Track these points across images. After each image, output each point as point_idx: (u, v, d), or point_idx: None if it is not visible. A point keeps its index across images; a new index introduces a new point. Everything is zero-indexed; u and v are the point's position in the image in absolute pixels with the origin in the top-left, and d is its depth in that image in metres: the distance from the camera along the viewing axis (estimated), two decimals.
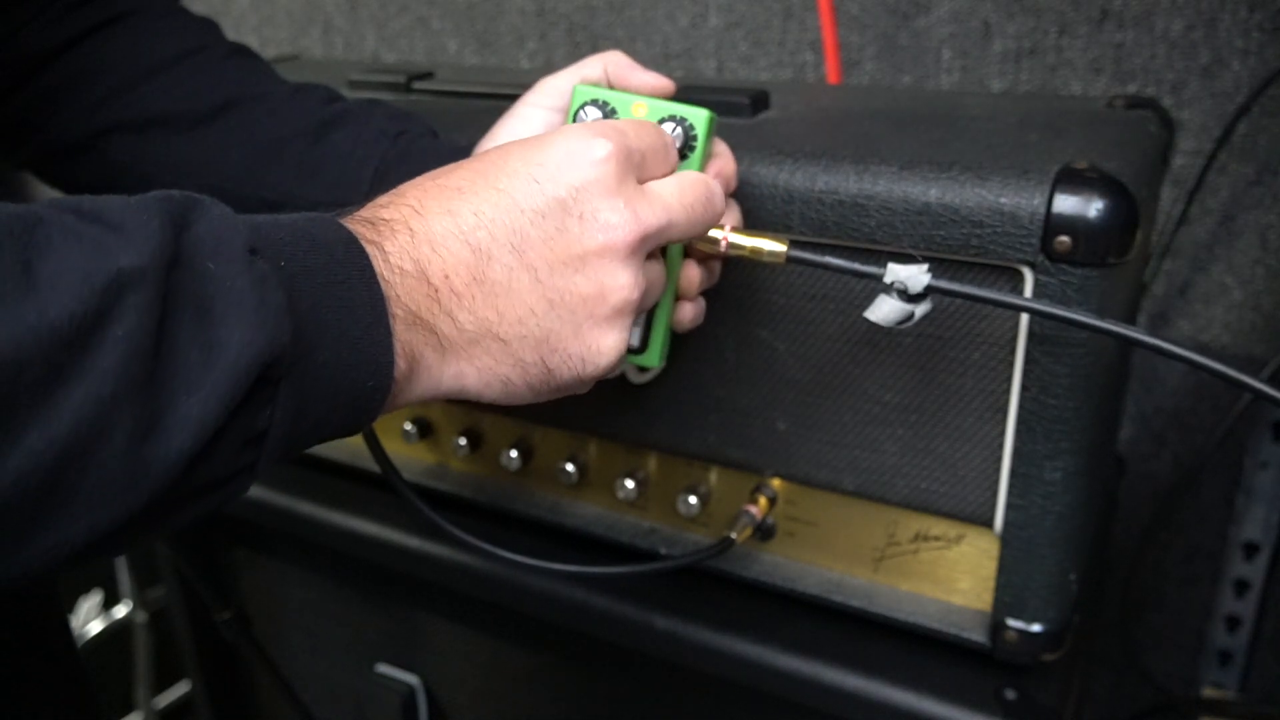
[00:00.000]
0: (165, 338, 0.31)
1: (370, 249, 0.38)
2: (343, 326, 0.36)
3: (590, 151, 0.42)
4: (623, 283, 0.43)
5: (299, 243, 0.36)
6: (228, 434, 0.32)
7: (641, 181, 0.45)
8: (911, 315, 0.49)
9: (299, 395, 0.35)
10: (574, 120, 0.52)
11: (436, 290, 0.40)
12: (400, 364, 0.39)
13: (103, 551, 0.32)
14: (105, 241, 0.30)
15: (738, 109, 0.64)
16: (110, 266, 0.30)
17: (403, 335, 0.39)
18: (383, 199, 0.42)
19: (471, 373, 0.42)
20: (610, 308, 0.43)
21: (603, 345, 0.43)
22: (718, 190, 0.48)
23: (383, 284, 0.38)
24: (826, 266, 0.50)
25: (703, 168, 0.52)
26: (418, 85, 0.78)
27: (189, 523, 0.35)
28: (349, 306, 0.37)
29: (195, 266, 0.32)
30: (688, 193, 0.46)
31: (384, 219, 0.40)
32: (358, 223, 0.40)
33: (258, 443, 0.34)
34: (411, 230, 0.40)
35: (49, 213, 0.30)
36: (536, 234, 0.41)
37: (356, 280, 0.37)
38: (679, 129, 0.50)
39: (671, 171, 0.48)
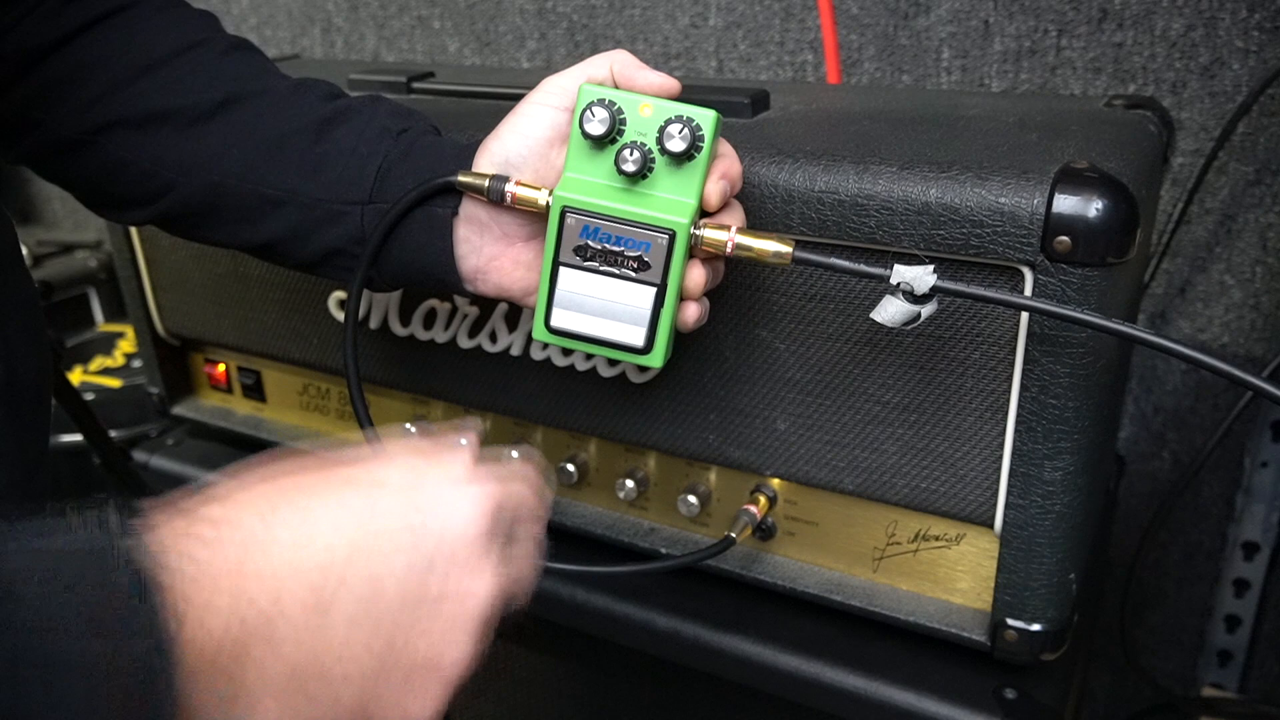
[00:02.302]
0: None
1: (171, 563, 0.33)
2: (106, 659, 0.31)
3: (469, 511, 0.40)
4: (462, 650, 0.40)
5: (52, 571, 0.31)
6: None
7: (507, 540, 0.43)
8: (918, 316, 0.49)
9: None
10: (580, 119, 0.52)
11: (264, 617, 0.34)
12: (179, 705, 0.32)
13: None
14: None
15: (738, 109, 0.64)
16: None
17: (198, 671, 0.33)
18: (222, 497, 0.36)
19: (274, 713, 0.36)
20: (441, 676, 0.39)
21: (424, 706, 0.39)
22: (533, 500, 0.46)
23: (178, 610, 0.32)
24: (832, 268, 0.50)
25: (709, 169, 0.52)
26: (418, 85, 0.78)
27: None
28: (115, 639, 0.31)
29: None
30: (531, 559, 0.45)
31: (211, 521, 0.35)
32: (169, 528, 0.34)
33: None
34: (247, 539, 0.35)
35: None
36: (394, 586, 0.37)
37: (124, 611, 0.31)
38: (686, 130, 0.50)
39: (537, 519, 0.46)
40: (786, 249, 0.51)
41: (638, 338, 0.54)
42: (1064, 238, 0.49)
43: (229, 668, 0.34)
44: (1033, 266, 0.51)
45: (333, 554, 0.36)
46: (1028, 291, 0.52)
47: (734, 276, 0.59)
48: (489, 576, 0.40)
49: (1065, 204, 0.49)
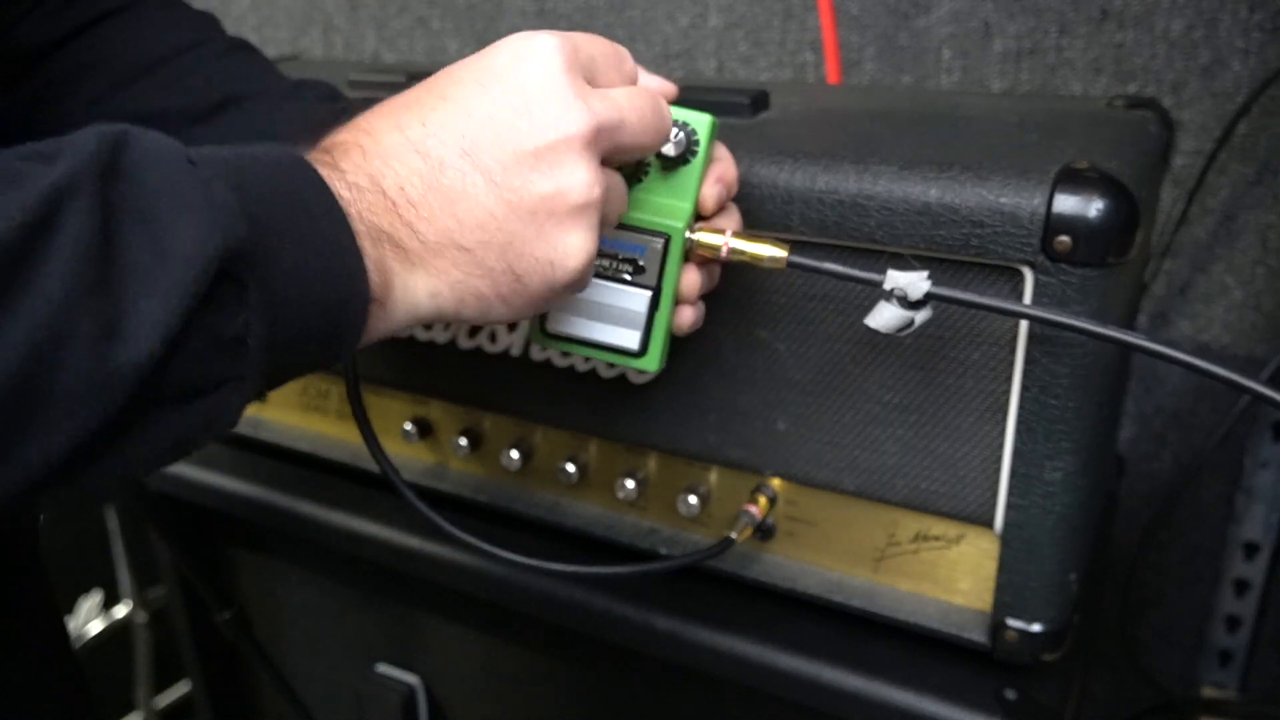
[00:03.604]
0: (112, 243, 0.31)
1: (324, 169, 0.39)
2: (304, 232, 0.36)
3: (535, 51, 0.42)
4: (581, 179, 0.42)
5: (244, 161, 0.37)
6: (197, 335, 0.33)
7: (596, 83, 0.45)
8: (911, 322, 0.49)
9: (271, 299, 0.35)
10: None
11: (394, 203, 0.40)
12: (373, 276, 0.39)
13: (90, 468, 0.32)
14: (41, 169, 0.31)
15: (738, 109, 0.64)
16: (47, 181, 0.30)
17: (369, 250, 0.39)
18: (337, 129, 0.42)
19: (444, 288, 0.41)
20: (571, 205, 0.42)
21: (569, 246, 0.42)
22: (663, 103, 0.48)
23: (340, 200, 0.38)
24: (826, 273, 0.50)
25: (704, 173, 0.52)
26: None
27: (184, 441, 0.35)
28: (308, 215, 0.37)
29: (135, 178, 0.33)
30: (636, 97, 0.46)
31: (336, 143, 0.41)
32: (311, 152, 0.40)
33: (236, 350, 0.34)
34: (363, 149, 0.40)
35: None
36: (487, 136, 0.41)
37: (311, 193, 0.37)
38: (681, 134, 0.50)
39: (625, 80, 0.48)
40: (781, 254, 0.51)
41: (633, 341, 0.54)
42: (1064, 238, 0.49)
43: (394, 236, 0.40)
44: (1033, 266, 0.51)
45: (430, 126, 0.41)
46: (1028, 291, 0.52)
47: (733, 277, 0.59)
48: (574, 103, 0.42)
49: (1065, 204, 0.49)
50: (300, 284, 0.36)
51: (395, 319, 0.41)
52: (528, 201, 0.41)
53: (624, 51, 0.48)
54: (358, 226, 0.38)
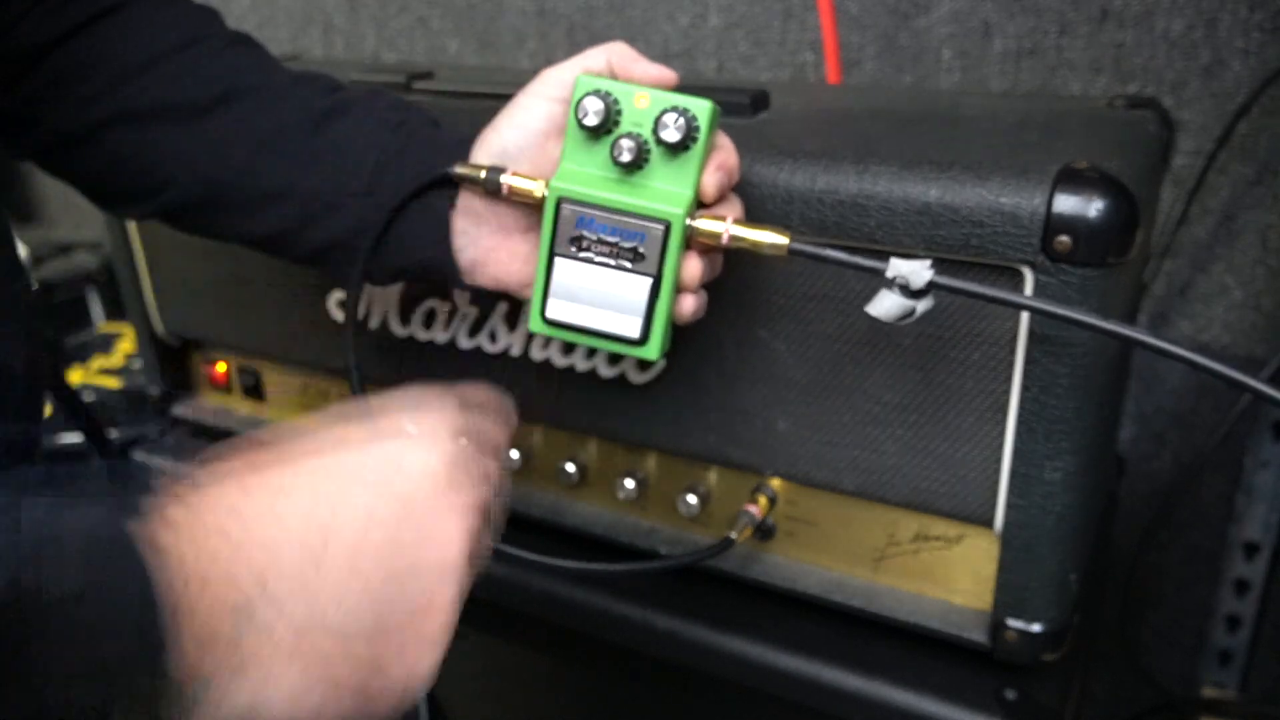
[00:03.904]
0: None
1: (167, 542, 0.33)
2: (99, 621, 0.31)
3: (426, 460, 0.41)
4: (451, 595, 0.40)
5: (42, 541, 0.32)
6: None
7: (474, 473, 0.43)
8: (913, 311, 0.49)
9: (33, 685, 0.30)
10: (575, 110, 0.52)
11: (256, 590, 0.35)
12: (180, 673, 0.33)
13: None
14: None
15: (738, 109, 0.64)
16: None
17: (191, 646, 0.33)
18: (198, 493, 0.37)
19: (282, 686, 0.36)
20: (436, 625, 0.40)
21: (425, 661, 0.40)
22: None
23: (175, 587, 0.33)
24: (828, 260, 0.50)
25: (705, 160, 0.52)
26: (418, 85, 0.78)
27: None
28: (108, 606, 0.32)
29: None
30: (500, 476, 0.45)
31: (197, 507, 0.36)
32: (163, 512, 0.35)
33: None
34: (231, 523, 0.36)
35: None
36: (370, 544, 0.38)
37: (119, 583, 0.32)
38: (681, 120, 0.50)
39: (502, 437, 0.47)
40: (783, 240, 0.51)
41: (633, 329, 0.54)
42: (1064, 237, 0.49)
43: (233, 637, 0.35)
44: (1033, 266, 0.51)
45: (315, 510, 0.38)
46: (1028, 291, 0.52)
47: (734, 275, 0.59)
48: (461, 516, 0.41)
49: (1065, 204, 0.49)
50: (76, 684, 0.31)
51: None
52: (398, 617, 0.39)
53: (497, 403, 0.47)
54: (190, 613, 0.33)
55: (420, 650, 0.40)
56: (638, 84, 0.53)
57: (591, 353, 0.65)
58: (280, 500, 0.38)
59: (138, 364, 1.31)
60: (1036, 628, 0.58)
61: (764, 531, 0.65)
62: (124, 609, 0.32)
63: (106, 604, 0.32)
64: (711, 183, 0.52)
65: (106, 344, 1.39)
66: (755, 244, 0.51)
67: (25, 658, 0.30)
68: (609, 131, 0.52)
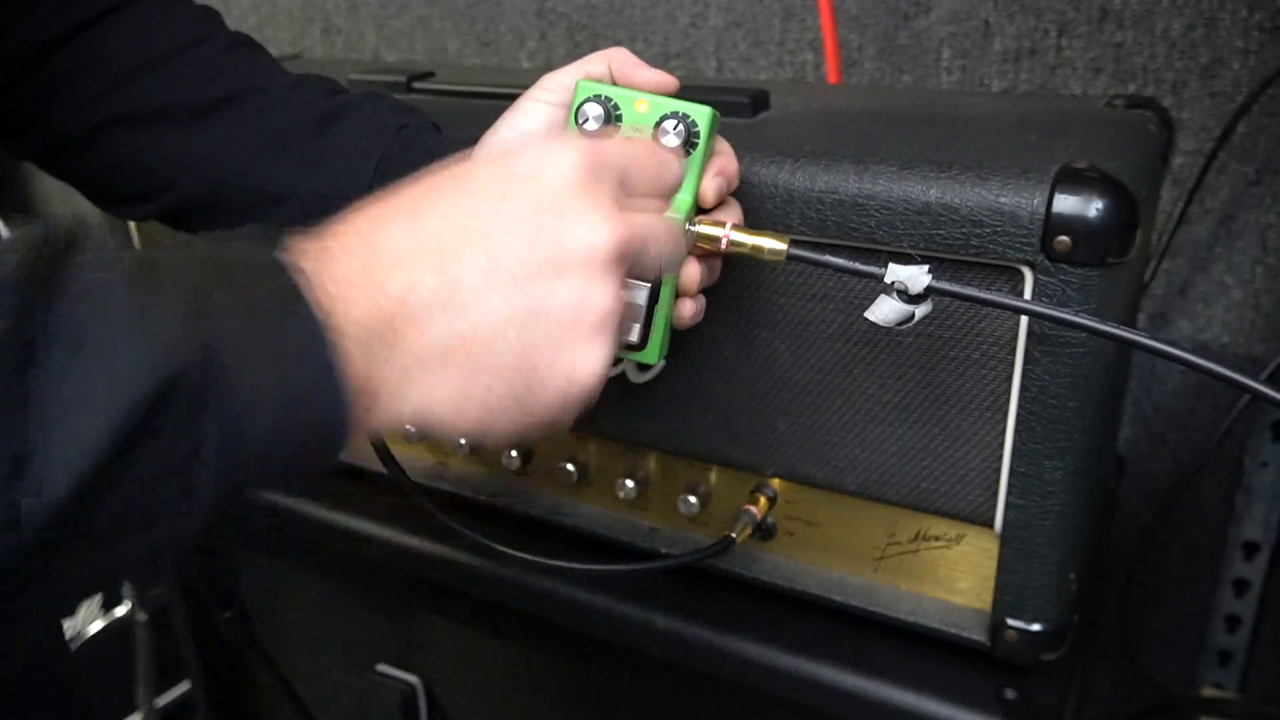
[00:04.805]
0: (31, 366, 0.29)
1: (309, 267, 0.35)
2: (274, 349, 0.33)
3: (557, 160, 0.40)
4: (604, 295, 0.40)
5: (205, 271, 0.34)
6: (135, 466, 0.30)
7: (629, 195, 0.43)
8: (912, 316, 0.49)
9: (229, 426, 0.32)
10: (575, 116, 0.52)
11: (400, 300, 0.37)
12: (359, 378, 0.35)
13: (15, 602, 0.30)
14: None
15: (738, 109, 0.64)
16: None
17: (356, 344, 0.35)
18: (341, 219, 0.39)
19: (443, 392, 0.38)
20: (592, 321, 0.39)
21: (585, 360, 0.40)
22: (680, 231, 0.46)
23: (324, 303, 0.34)
24: (827, 265, 0.50)
25: (704, 165, 0.52)
26: (418, 85, 0.78)
27: (119, 575, 0.32)
28: (279, 328, 0.33)
29: (68, 299, 0.30)
30: (663, 223, 0.44)
31: (334, 235, 0.38)
32: (301, 247, 0.37)
33: (183, 481, 0.32)
34: (368, 248, 0.37)
35: None
36: (506, 244, 0.38)
37: (285, 303, 0.34)
38: (681, 126, 0.50)
39: (665, 190, 0.47)
40: (781, 246, 0.51)
41: (632, 334, 0.54)
42: (1064, 237, 0.49)
43: (389, 345, 0.36)
44: (1033, 266, 0.51)
45: (450, 217, 0.38)
46: (1028, 291, 0.52)
47: (734, 276, 0.59)
48: (602, 221, 0.40)
49: (1065, 204, 0.49)
50: (266, 409, 0.33)
51: (385, 420, 0.38)
52: (551, 311, 0.39)
53: (668, 157, 0.46)
54: (344, 325, 0.35)
55: (575, 350, 0.40)
56: (638, 89, 0.53)
57: None
58: (413, 217, 0.38)
59: None
60: (1036, 627, 0.58)
61: (764, 531, 0.65)
62: (296, 336, 0.34)
63: (280, 335, 0.33)
64: (711, 188, 0.52)
65: None
66: (754, 249, 0.51)
67: (227, 404, 0.32)
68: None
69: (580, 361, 0.40)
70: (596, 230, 0.39)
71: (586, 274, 0.39)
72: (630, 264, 0.42)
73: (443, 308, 0.37)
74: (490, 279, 0.38)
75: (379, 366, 0.36)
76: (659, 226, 0.44)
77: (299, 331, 0.34)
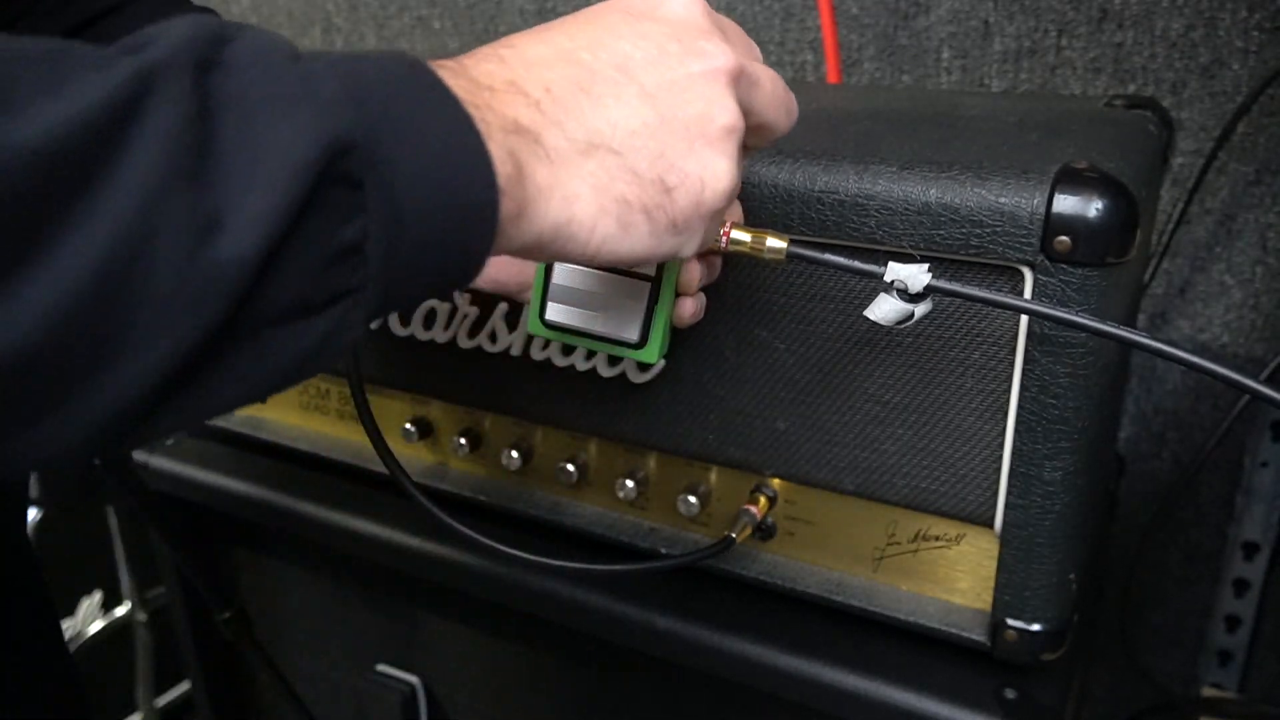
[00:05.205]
0: (208, 134, 0.29)
1: (445, 73, 0.36)
2: (424, 127, 0.33)
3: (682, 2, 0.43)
4: (729, 107, 0.41)
5: (353, 60, 0.34)
6: (308, 242, 0.30)
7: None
8: (911, 315, 0.49)
9: (390, 201, 0.32)
10: None
11: (538, 101, 0.38)
12: (505, 169, 0.35)
13: (191, 393, 0.30)
14: (128, 58, 0.28)
15: None
16: (135, 64, 0.28)
17: (500, 140, 0.36)
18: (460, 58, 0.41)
19: (586, 192, 0.38)
20: (719, 129, 0.41)
21: (719, 168, 0.41)
22: (787, 93, 0.48)
23: (464, 96, 0.35)
24: (827, 264, 0.50)
25: None
26: None
27: (295, 366, 0.32)
28: (427, 109, 0.34)
29: (233, 69, 0.30)
30: (770, 71, 0.46)
31: (467, 57, 0.39)
32: (436, 60, 0.37)
33: (353, 259, 0.32)
34: (501, 58, 0.38)
35: (79, 46, 0.29)
36: (639, 54, 0.40)
37: (430, 89, 0.34)
38: None
39: (788, 113, 0.49)
40: (781, 244, 0.51)
41: (632, 332, 0.54)
42: (1064, 238, 0.49)
43: (528, 152, 0.37)
44: (1033, 266, 0.51)
45: (579, 35, 0.40)
46: (1028, 292, 0.52)
47: (734, 276, 0.59)
48: (721, 42, 0.42)
49: (1065, 204, 0.49)
50: (422, 183, 0.33)
51: (526, 230, 0.38)
52: (681, 117, 0.40)
53: (755, 46, 0.49)
54: (487, 117, 0.35)
55: (705, 159, 0.41)
56: None
57: (591, 353, 0.65)
58: (543, 36, 0.40)
59: None
60: (1036, 627, 0.58)
61: (764, 531, 0.65)
62: (447, 124, 0.34)
63: (431, 121, 0.34)
64: None
65: None
66: (754, 247, 0.51)
67: (386, 184, 0.32)
68: None
69: (711, 170, 0.41)
70: (718, 48, 0.42)
71: (710, 88, 0.41)
72: (745, 99, 0.43)
73: (580, 107, 0.39)
74: (623, 85, 0.40)
75: (523, 163, 0.37)
76: (771, 73, 0.46)
77: (449, 119, 0.34)
